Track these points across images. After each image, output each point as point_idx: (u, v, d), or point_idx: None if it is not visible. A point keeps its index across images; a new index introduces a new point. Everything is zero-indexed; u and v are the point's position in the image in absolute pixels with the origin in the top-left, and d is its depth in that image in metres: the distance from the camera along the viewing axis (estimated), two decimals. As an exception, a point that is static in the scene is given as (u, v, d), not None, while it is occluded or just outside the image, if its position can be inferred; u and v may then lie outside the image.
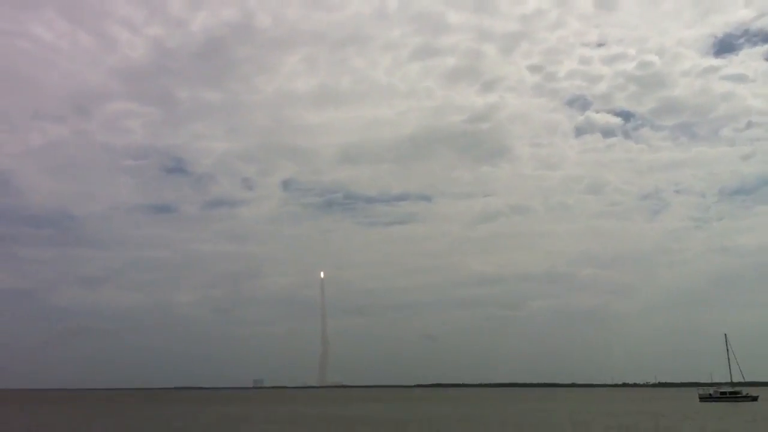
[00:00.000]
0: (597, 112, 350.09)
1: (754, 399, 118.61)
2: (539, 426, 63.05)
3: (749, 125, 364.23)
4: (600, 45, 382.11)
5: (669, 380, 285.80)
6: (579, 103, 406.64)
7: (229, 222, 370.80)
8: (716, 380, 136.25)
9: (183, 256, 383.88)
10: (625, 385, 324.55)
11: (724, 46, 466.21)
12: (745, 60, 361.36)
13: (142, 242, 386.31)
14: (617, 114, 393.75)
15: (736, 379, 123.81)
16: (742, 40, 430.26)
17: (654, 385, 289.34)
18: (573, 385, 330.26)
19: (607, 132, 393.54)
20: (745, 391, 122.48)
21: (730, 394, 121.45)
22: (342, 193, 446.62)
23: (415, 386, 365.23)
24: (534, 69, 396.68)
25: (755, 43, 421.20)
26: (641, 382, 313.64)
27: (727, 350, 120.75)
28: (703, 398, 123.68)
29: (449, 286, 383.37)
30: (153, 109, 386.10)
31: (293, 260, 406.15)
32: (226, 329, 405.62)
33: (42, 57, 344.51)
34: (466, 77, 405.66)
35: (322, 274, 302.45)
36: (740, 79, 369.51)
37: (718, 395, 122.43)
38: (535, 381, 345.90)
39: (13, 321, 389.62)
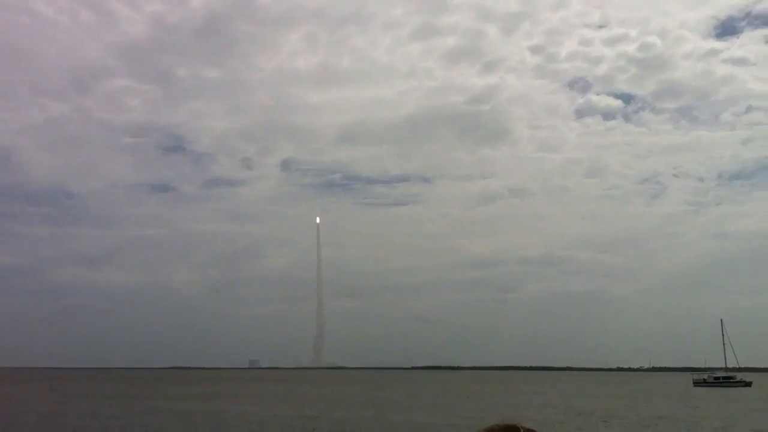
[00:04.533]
0: (597, 94, 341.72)
1: (748, 384, 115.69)
2: (509, 407, 59.80)
3: (749, 109, 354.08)
4: (601, 26, 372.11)
5: (664, 365, 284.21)
6: (580, 85, 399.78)
7: (228, 201, 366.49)
8: (711, 365, 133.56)
9: (182, 235, 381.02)
10: (619, 369, 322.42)
11: (726, 28, 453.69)
12: (746, 43, 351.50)
13: (140, 221, 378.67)
14: (618, 96, 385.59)
15: (731, 365, 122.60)
16: (743, 23, 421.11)
17: (648, 370, 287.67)
18: (568, 368, 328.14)
19: (608, 114, 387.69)
20: (739, 376, 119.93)
21: (724, 379, 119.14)
22: (341, 173, 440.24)
23: (410, 368, 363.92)
24: (535, 50, 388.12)
25: (756, 26, 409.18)
26: (635, 367, 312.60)
27: (723, 335, 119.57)
28: (697, 383, 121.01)
29: (446, 268, 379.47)
30: (152, 87, 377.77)
31: (291, 241, 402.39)
32: (223, 309, 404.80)
33: (41, 32, 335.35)
34: (466, 58, 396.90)
35: (318, 219, 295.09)
36: (741, 62, 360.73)
37: (712, 380, 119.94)
38: (530, 364, 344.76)
39: (11, 299, 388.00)
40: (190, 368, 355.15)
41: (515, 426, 2.04)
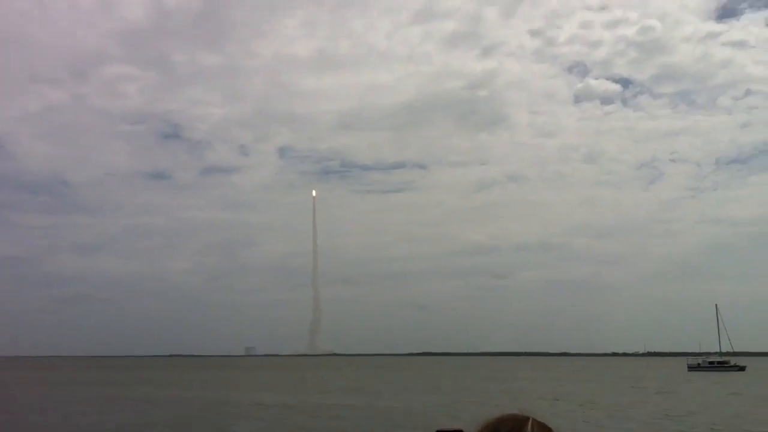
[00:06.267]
0: (596, 78, 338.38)
1: (742, 369, 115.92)
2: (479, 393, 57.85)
3: (748, 93, 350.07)
4: (602, 9, 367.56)
5: (659, 350, 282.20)
6: (578, 69, 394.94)
7: (225, 189, 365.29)
8: (706, 350, 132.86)
9: (178, 223, 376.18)
10: (614, 354, 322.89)
11: (727, 10, 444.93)
12: (747, 25, 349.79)
13: (137, 209, 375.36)
14: (616, 81, 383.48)
15: (725, 350, 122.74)
16: (744, 5, 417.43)
17: (643, 354, 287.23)
18: (564, 354, 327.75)
19: (606, 99, 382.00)
20: (733, 361, 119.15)
21: (719, 363, 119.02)
22: (338, 160, 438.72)
23: (406, 354, 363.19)
24: (534, 33, 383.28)
25: (758, 8, 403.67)
26: (631, 352, 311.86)
27: (718, 321, 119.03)
28: (692, 367, 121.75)
29: (442, 255, 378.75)
30: (150, 73, 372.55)
31: (287, 228, 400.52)
32: (219, 297, 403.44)
33: (39, 17, 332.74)
34: (465, 41, 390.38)
35: (314, 192, 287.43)
36: (741, 45, 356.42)
37: (707, 364, 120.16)
38: (526, 350, 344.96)
39: (7, 288, 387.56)
40: (186, 356, 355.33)
41: (526, 417, 2.09)
